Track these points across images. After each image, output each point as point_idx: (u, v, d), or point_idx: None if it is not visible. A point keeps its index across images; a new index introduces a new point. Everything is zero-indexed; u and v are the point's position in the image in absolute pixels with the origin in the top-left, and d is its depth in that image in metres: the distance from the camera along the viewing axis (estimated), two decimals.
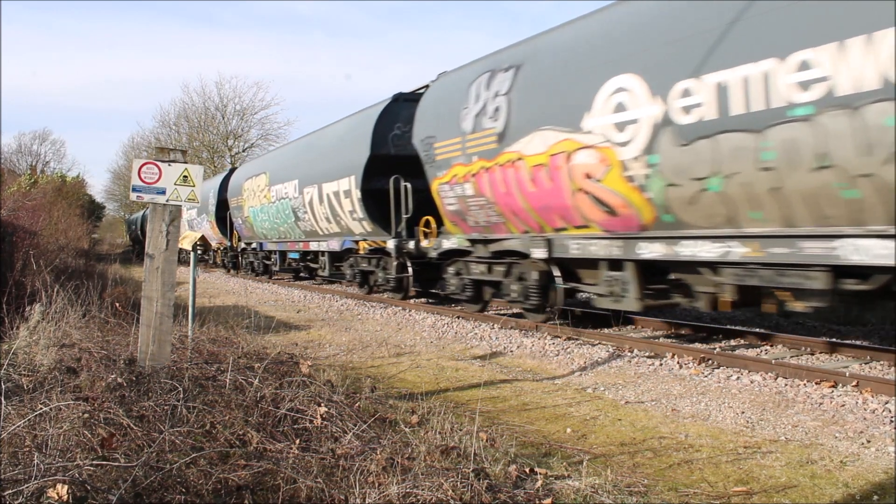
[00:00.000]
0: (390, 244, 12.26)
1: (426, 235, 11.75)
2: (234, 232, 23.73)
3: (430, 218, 11.72)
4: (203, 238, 7.80)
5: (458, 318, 10.88)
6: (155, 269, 5.15)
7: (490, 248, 10.10)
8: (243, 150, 49.22)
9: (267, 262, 21.81)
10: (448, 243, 11.04)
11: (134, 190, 5.24)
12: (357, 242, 14.23)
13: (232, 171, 25.77)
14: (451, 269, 11.33)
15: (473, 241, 10.43)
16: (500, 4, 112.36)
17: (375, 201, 12.94)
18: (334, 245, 15.43)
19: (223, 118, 49.88)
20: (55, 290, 6.49)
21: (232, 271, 26.72)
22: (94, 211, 48.53)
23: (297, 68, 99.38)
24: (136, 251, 40.46)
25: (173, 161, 5.34)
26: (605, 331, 9.34)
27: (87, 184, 55.91)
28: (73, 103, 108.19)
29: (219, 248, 27.47)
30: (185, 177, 5.32)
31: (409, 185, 11.83)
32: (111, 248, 44.76)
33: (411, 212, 11.92)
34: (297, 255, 18.65)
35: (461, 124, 9.88)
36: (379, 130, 12.75)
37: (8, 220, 12.13)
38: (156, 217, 5.23)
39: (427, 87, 11.93)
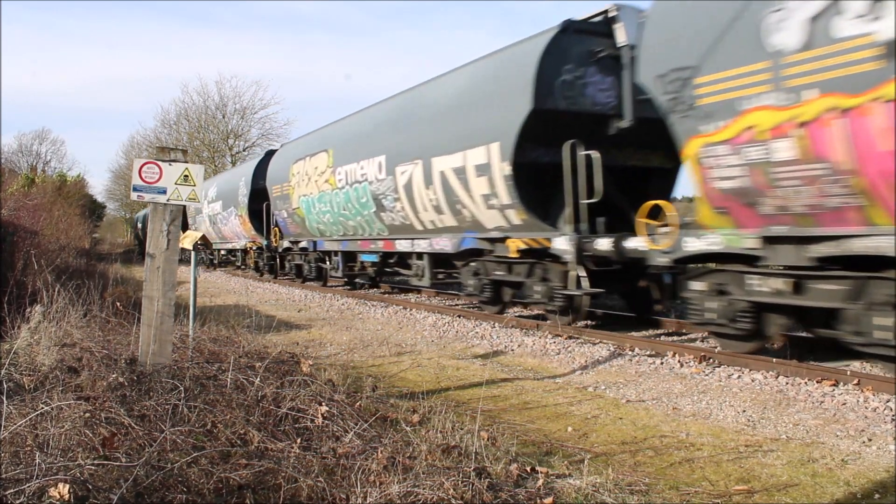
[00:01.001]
0: (562, 244, 8.67)
1: (653, 232, 7.85)
2: (275, 228, 19.31)
3: (663, 203, 8.01)
4: (204, 238, 7.79)
5: (460, 316, 10.87)
6: (156, 269, 5.15)
7: (819, 249, 6.14)
8: (244, 150, 49.26)
9: (322, 266, 17.25)
10: (704, 243, 7.06)
11: (135, 189, 5.24)
12: (490, 241, 10.17)
13: (270, 154, 20.75)
14: (698, 286, 7.34)
15: (772, 240, 6.52)
16: (501, 4, 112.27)
17: (528, 181, 9.17)
18: (444, 244, 11.22)
19: (223, 117, 49.91)
20: (56, 289, 6.50)
21: (267, 276, 22.07)
22: (94, 210, 48.54)
23: (298, 68, 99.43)
24: (137, 250, 39.77)
25: (174, 160, 5.34)
26: (605, 330, 9.33)
27: (88, 183, 55.96)
28: (74, 103, 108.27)
29: (250, 248, 22.92)
30: (186, 176, 5.32)
31: (597, 155, 8.37)
32: (112, 248, 44.77)
33: (600, 195, 8.35)
34: (373, 258, 14.24)
35: (770, 38, 5.88)
36: (543, 74, 8.60)
37: (9, 219, 12.13)
38: (156, 216, 5.23)
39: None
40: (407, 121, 11.89)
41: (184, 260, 22.01)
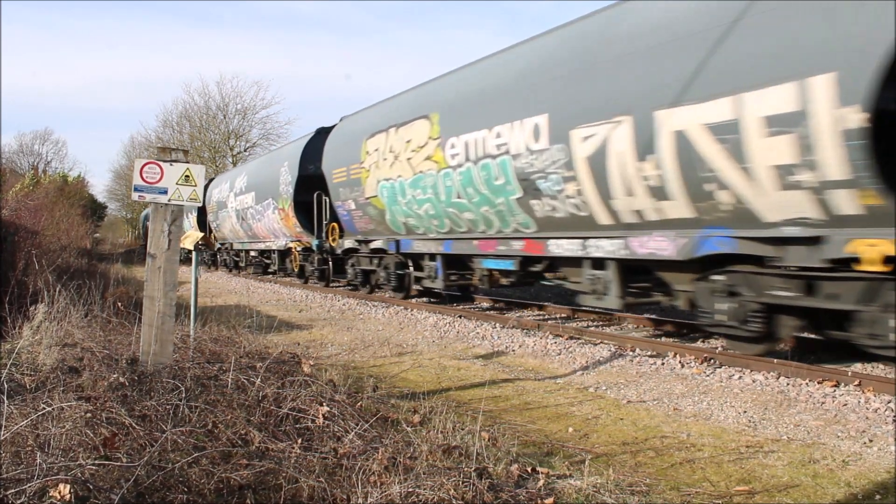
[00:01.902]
0: None
1: None
2: (332, 224, 15.52)
3: None
4: (205, 238, 7.80)
5: (461, 317, 10.87)
6: (157, 269, 5.15)
7: None
8: (245, 150, 49.28)
9: (400, 273, 13.19)
10: None
11: (136, 190, 5.25)
12: (774, 242, 6.29)
13: (323, 131, 16.42)
14: None
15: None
16: (502, 4, 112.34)
17: (891, 143, 5.62)
18: (659, 246, 7.32)
19: (224, 118, 49.95)
20: (57, 289, 6.50)
21: (314, 282, 18.11)
22: (95, 211, 48.57)
23: (298, 67, 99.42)
24: (139, 250, 38.99)
25: (175, 161, 5.34)
26: (607, 330, 9.33)
27: (89, 183, 55.99)
28: (74, 103, 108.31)
29: (294, 249, 18.41)
30: (187, 176, 5.33)
31: None
32: (113, 248, 44.79)
33: None
34: (504, 265, 10.15)
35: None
36: None
37: (10, 219, 12.14)
38: (157, 217, 5.24)
39: None
40: (596, 59, 7.70)
41: (184, 261, 21.38)
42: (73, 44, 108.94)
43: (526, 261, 9.77)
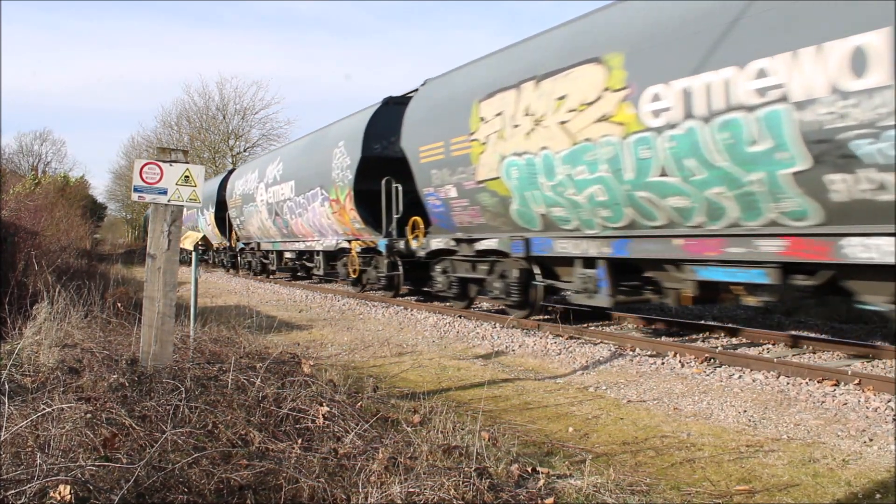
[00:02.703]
0: None
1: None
2: (416, 219, 12.04)
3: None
4: (205, 238, 7.79)
5: (461, 317, 10.87)
6: (157, 270, 5.15)
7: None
8: (244, 150, 49.29)
9: (524, 283, 9.84)
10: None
11: (135, 190, 5.25)
12: None
13: (393, 101, 13.56)
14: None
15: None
16: (502, 4, 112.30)
17: None
18: None
19: (224, 118, 49.95)
20: (57, 290, 6.50)
21: (379, 292, 14.57)
22: (95, 211, 48.57)
23: (299, 67, 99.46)
24: (138, 252, 38.17)
25: (174, 161, 5.34)
26: (607, 329, 9.33)
27: (89, 184, 56.03)
28: (74, 103, 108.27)
29: (353, 249, 14.73)
30: (187, 177, 5.33)
31: None
32: (113, 249, 44.80)
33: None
34: (752, 277, 6.69)
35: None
36: None
37: (10, 220, 12.14)
38: (157, 217, 5.24)
39: None
40: None
41: (182, 261, 19.79)
42: (73, 44, 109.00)
43: (788, 267, 6.43)
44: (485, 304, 12.54)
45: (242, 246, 24.13)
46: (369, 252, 14.21)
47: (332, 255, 16.64)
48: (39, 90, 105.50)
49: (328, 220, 15.38)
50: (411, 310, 12.10)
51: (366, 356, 8.00)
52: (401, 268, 13.34)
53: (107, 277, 13.41)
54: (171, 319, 5.13)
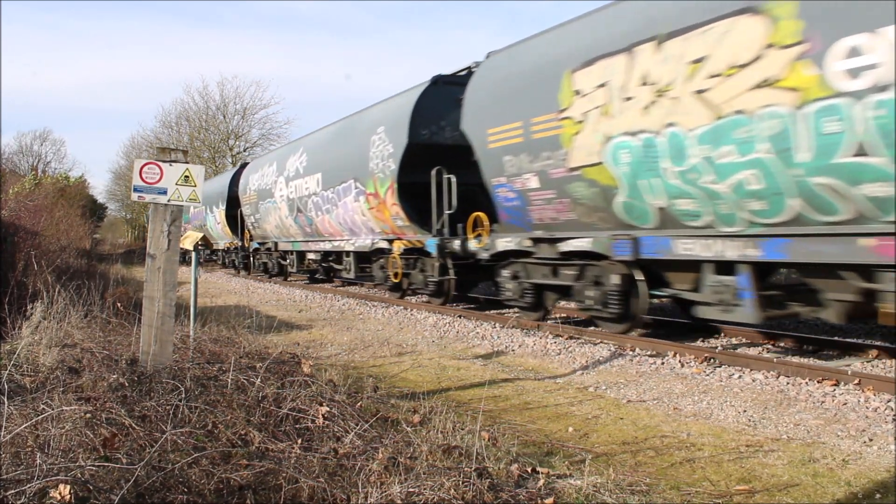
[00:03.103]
0: None
1: None
2: (479, 215, 10.57)
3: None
4: (205, 238, 7.80)
5: (460, 317, 10.87)
6: (156, 269, 5.15)
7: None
8: (244, 150, 49.30)
9: (623, 292, 8.42)
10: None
11: (135, 190, 5.25)
12: None
13: (443, 80, 12.11)
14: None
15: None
16: (503, 4, 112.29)
17: None
18: None
19: (224, 118, 49.96)
20: (57, 290, 6.50)
21: (419, 296, 13.54)
22: (95, 211, 48.57)
23: (299, 67, 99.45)
24: (138, 252, 37.55)
25: (174, 161, 5.34)
26: (606, 330, 9.33)
27: (89, 184, 56.01)
28: (74, 103, 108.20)
29: (395, 249, 12.93)
30: (187, 177, 5.33)
31: None
32: (113, 249, 44.80)
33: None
34: None
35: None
36: None
37: (9, 220, 12.14)
38: (157, 217, 5.24)
39: None
40: None
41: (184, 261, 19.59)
42: (73, 44, 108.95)
43: None
44: (561, 315, 10.85)
45: (257, 246, 21.79)
46: (413, 253, 12.57)
47: (365, 257, 14.81)
48: (40, 90, 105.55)
49: (363, 217, 13.66)
50: (411, 310, 12.10)
51: (366, 356, 8.00)
52: (451, 271, 11.64)
53: (107, 277, 13.42)
54: (170, 319, 5.13)
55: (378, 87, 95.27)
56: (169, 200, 5.25)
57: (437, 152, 11.50)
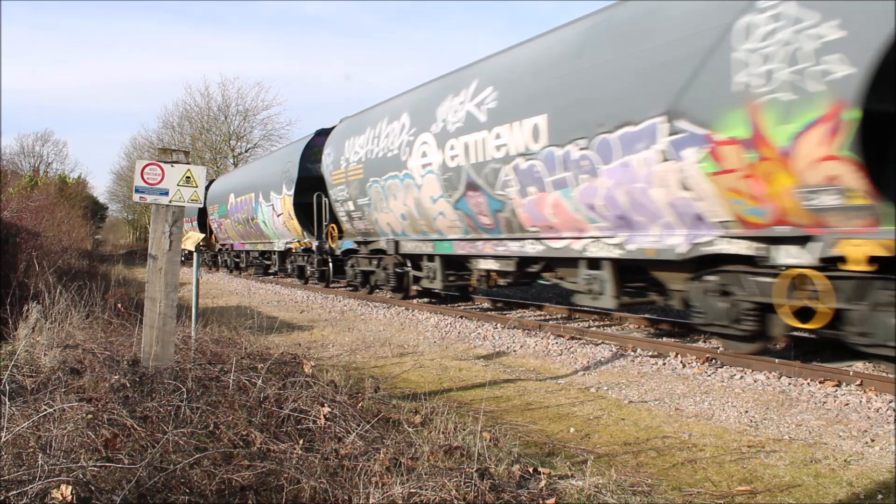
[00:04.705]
0: None
1: None
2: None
3: None
4: (206, 239, 7.81)
5: (462, 317, 10.86)
6: (158, 270, 5.15)
7: None
8: (246, 151, 49.35)
9: None
10: None
11: (137, 191, 5.25)
12: None
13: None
14: None
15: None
16: (505, 4, 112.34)
17: None
18: None
19: (226, 118, 50.00)
20: (58, 290, 6.51)
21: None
22: (97, 212, 48.62)
23: (302, 68, 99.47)
24: (139, 253, 36.93)
25: (176, 162, 5.34)
26: (609, 330, 9.33)
27: (90, 185, 56.10)
28: (75, 104, 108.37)
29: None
30: (188, 178, 5.33)
31: None
32: (114, 249, 44.83)
33: None
34: None
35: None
36: None
37: (11, 221, 12.15)
38: (159, 218, 5.24)
39: None
40: None
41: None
42: (73, 44, 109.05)
43: None
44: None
45: (352, 246, 14.61)
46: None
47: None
48: (40, 91, 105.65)
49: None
50: (412, 310, 12.09)
51: (367, 357, 7.99)
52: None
53: (108, 278, 13.43)
54: (172, 320, 5.13)
55: (380, 87, 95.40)
56: (170, 201, 5.26)
57: None
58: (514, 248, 9.53)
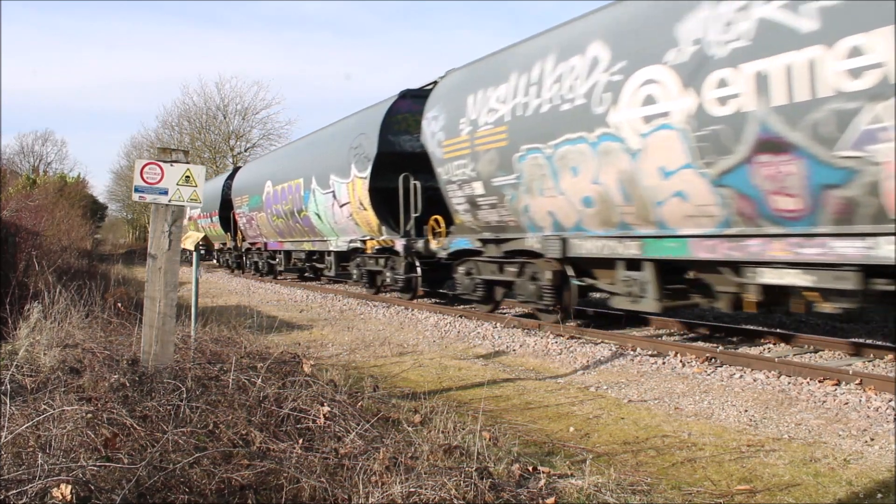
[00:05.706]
0: None
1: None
2: None
3: None
4: (206, 238, 7.82)
5: (461, 317, 10.87)
6: (158, 270, 5.15)
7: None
8: (245, 150, 49.33)
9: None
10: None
11: (136, 190, 5.25)
12: None
13: None
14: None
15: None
16: (505, 4, 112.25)
17: None
18: None
19: (224, 118, 49.98)
20: (58, 290, 6.50)
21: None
22: (96, 211, 48.61)
23: (303, 68, 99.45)
24: (138, 252, 36.86)
25: (175, 161, 5.34)
26: (608, 329, 9.33)
27: (89, 184, 56.06)
28: (75, 104, 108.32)
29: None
30: (188, 177, 5.33)
31: None
32: (114, 249, 44.81)
33: None
34: None
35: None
36: None
37: (10, 220, 12.15)
38: (158, 217, 5.24)
39: None
40: None
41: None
42: (73, 44, 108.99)
43: None
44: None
45: (468, 245, 10.81)
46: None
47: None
48: (40, 91, 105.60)
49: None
50: (412, 310, 12.09)
51: (366, 356, 7.99)
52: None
53: (107, 277, 13.41)
54: (172, 319, 5.13)
55: (380, 87, 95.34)
56: (170, 201, 5.25)
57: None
58: (848, 250, 5.62)
